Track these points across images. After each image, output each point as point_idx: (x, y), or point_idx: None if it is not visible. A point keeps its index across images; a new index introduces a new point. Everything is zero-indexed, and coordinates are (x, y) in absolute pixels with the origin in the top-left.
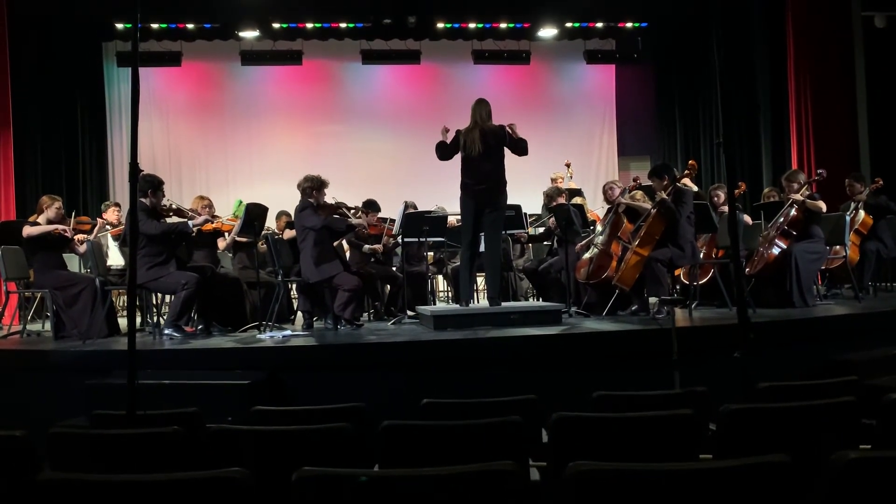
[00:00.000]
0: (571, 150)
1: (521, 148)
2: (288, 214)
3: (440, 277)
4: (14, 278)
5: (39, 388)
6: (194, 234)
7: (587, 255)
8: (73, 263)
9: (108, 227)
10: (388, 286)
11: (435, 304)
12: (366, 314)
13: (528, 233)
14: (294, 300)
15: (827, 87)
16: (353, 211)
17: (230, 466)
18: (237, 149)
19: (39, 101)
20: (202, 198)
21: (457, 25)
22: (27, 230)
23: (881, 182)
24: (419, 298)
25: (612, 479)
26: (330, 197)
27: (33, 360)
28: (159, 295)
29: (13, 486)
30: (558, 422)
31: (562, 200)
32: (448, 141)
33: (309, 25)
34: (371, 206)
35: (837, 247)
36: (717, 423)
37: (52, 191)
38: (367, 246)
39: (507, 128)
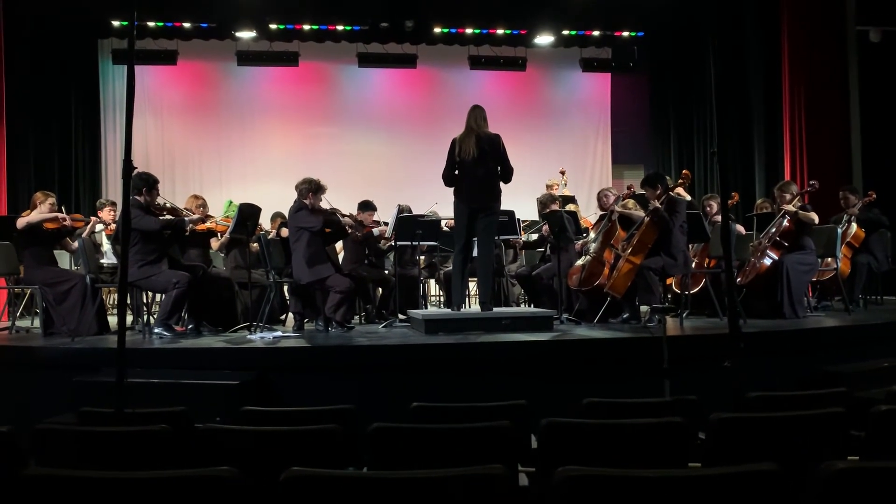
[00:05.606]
0: (566, 157)
1: (507, 173)
2: (283, 216)
3: (432, 281)
4: (4, 274)
5: (27, 385)
6: (188, 233)
7: (580, 262)
8: (63, 261)
9: (101, 225)
10: (380, 289)
11: (426, 307)
12: (357, 317)
13: (522, 239)
14: (287, 301)
15: (821, 99)
16: (345, 219)
17: (218, 466)
18: (231, 149)
19: (33, 96)
20: (196, 197)
21: (454, 31)
22: (22, 220)
23: (874, 195)
24: (411, 302)
25: (600, 485)
26: (325, 202)
27: (22, 356)
28: (150, 293)
29: None
30: (548, 427)
31: (555, 207)
32: None
33: (306, 27)
34: (367, 207)
35: (829, 259)
36: (707, 431)
37: (45, 187)
38: (376, 229)
39: None
